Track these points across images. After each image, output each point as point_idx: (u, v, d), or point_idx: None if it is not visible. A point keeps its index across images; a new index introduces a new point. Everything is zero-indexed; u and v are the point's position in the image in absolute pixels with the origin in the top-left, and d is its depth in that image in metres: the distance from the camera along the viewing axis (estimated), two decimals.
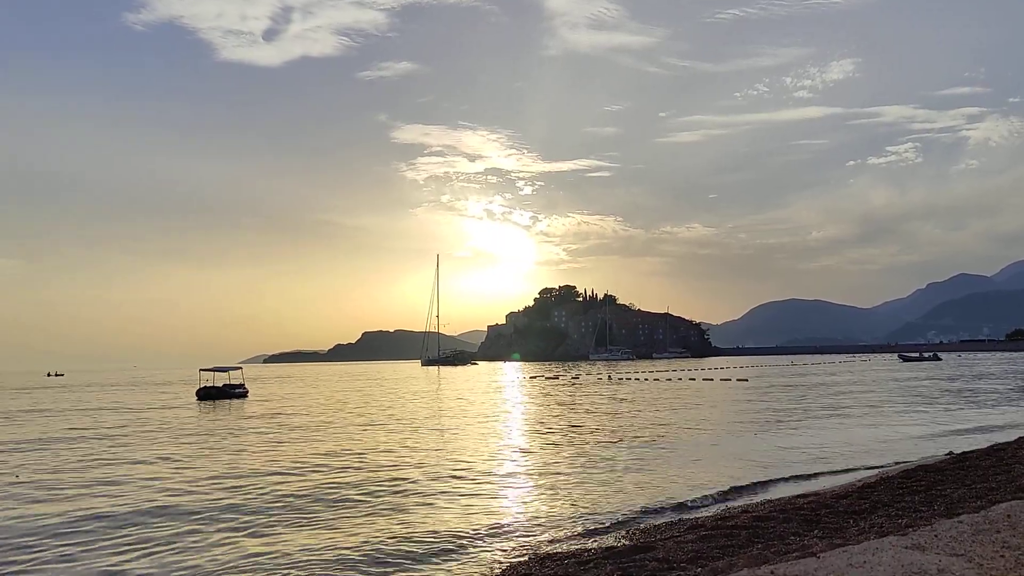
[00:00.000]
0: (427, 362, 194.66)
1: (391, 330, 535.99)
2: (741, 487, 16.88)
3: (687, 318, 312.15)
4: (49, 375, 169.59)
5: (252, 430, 32.69)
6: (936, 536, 2.81)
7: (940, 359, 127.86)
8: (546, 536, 13.04)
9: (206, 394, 56.41)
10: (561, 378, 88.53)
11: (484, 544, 12.69)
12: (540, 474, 19.43)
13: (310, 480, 19.11)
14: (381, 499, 16.55)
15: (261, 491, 17.67)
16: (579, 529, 13.37)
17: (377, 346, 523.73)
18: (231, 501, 16.51)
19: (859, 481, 16.32)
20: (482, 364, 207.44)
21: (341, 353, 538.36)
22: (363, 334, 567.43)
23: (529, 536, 13.11)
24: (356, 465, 21.47)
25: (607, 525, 13.63)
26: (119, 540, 13.30)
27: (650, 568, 9.13)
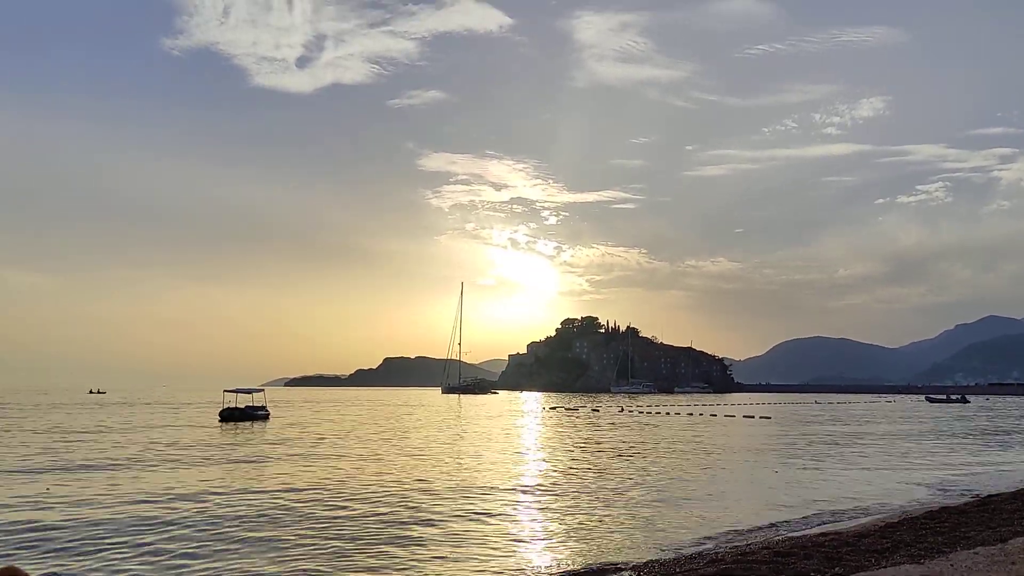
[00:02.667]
0: (447, 390, 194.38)
1: (412, 356, 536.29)
2: (761, 526, 16.83)
3: (710, 353, 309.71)
4: (91, 392, 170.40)
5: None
6: (952, 565, 2.91)
7: (968, 401, 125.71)
8: (565, 570, 13.11)
9: (229, 415, 56.89)
10: (581, 411, 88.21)
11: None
12: (559, 511, 19.49)
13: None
14: (395, 537, 16.70)
15: None
16: (598, 564, 13.40)
17: (398, 372, 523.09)
18: None
19: (881, 521, 16.21)
20: (502, 393, 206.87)
21: (362, 378, 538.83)
22: (384, 360, 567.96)
23: (548, 571, 13.18)
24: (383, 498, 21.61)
25: (626, 561, 13.66)
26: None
27: None
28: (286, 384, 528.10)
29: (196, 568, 12.80)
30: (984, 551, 3.08)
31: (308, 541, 14.87)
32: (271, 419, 59.60)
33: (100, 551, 13.82)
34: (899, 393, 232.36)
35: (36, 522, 16.38)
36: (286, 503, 19.23)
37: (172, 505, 18.66)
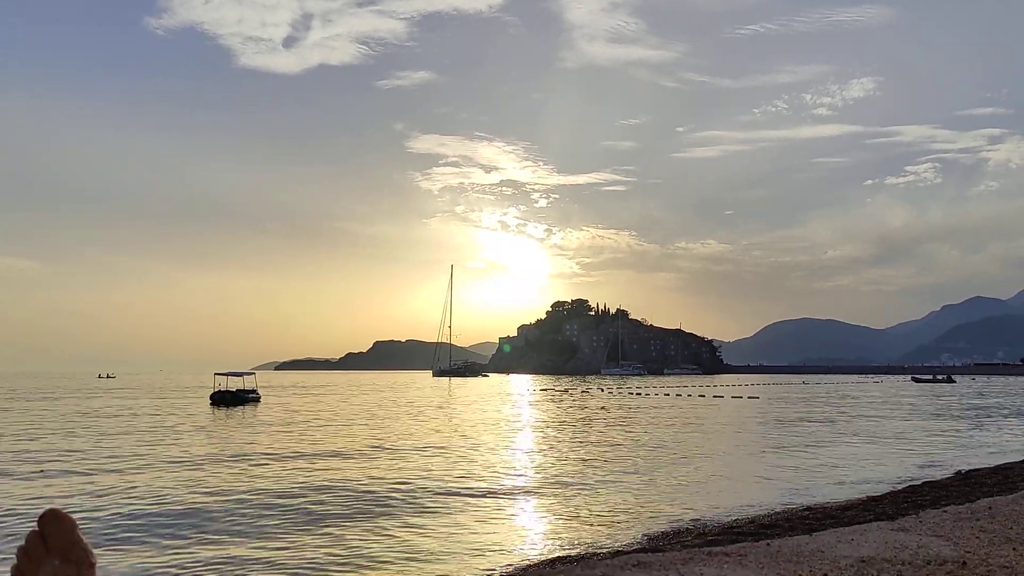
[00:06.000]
0: (438, 373, 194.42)
1: (403, 340, 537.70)
2: (747, 504, 17.16)
3: (699, 335, 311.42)
4: (101, 376, 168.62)
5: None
6: (920, 521, 3.15)
7: (954, 381, 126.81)
8: (559, 543, 13.36)
9: (220, 399, 56.96)
10: (571, 392, 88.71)
11: (493, 551, 13.02)
12: (552, 488, 19.76)
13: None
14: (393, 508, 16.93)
15: None
16: (589, 538, 13.65)
17: (388, 355, 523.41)
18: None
19: (865, 495, 16.55)
20: (492, 376, 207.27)
21: (352, 362, 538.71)
22: (374, 343, 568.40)
23: (542, 542, 13.44)
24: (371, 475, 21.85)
25: (617, 535, 13.91)
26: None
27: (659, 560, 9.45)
28: (276, 368, 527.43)
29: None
30: (952, 509, 3.33)
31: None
32: (261, 403, 59.67)
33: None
34: (886, 374, 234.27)
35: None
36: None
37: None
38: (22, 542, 1.26)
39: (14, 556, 1.28)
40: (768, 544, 2.41)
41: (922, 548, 2.38)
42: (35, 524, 1.14)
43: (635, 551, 11.07)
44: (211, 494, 17.67)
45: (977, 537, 2.78)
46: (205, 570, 11.51)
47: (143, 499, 16.94)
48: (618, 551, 11.67)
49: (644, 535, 13.49)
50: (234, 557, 12.17)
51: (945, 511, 3.30)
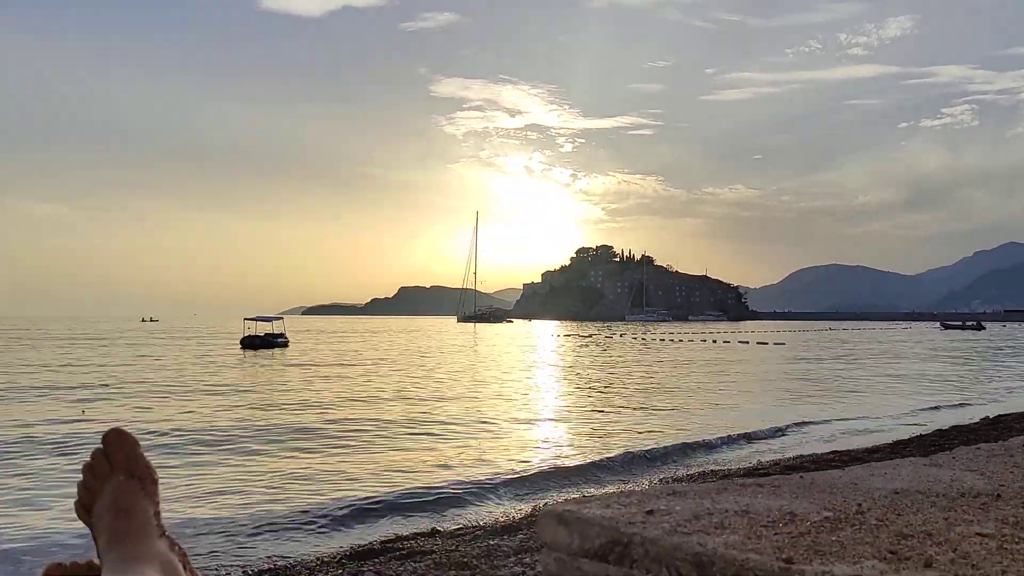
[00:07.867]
0: (463, 319, 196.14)
1: (427, 286, 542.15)
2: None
3: (725, 281, 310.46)
4: (144, 320, 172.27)
5: None
6: (954, 458, 3.13)
7: (983, 328, 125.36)
8: (579, 485, 13.53)
9: (250, 343, 57.95)
10: (595, 337, 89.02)
11: (511, 488, 13.20)
12: (576, 426, 19.95)
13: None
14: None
15: None
16: (611, 479, 13.79)
17: (413, 301, 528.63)
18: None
19: (892, 439, 16.55)
20: (517, 322, 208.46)
21: (378, 307, 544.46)
22: (400, 289, 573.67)
23: (562, 484, 13.62)
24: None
25: (643, 477, 14.05)
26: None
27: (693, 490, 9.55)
28: (303, 313, 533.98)
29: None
30: (985, 447, 3.29)
31: None
32: (290, 347, 60.62)
33: None
34: (914, 320, 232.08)
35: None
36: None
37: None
38: (87, 459, 1.30)
39: (79, 473, 1.31)
40: (801, 477, 2.40)
41: (956, 481, 2.36)
42: (99, 442, 1.33)
43: (655, 491, 11.18)
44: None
45: (1011, 472, 2.76)
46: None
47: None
48: (644, 490, 11.79)
49: (670, 477, 13.61)
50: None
51: (978, 448, 3.26)
